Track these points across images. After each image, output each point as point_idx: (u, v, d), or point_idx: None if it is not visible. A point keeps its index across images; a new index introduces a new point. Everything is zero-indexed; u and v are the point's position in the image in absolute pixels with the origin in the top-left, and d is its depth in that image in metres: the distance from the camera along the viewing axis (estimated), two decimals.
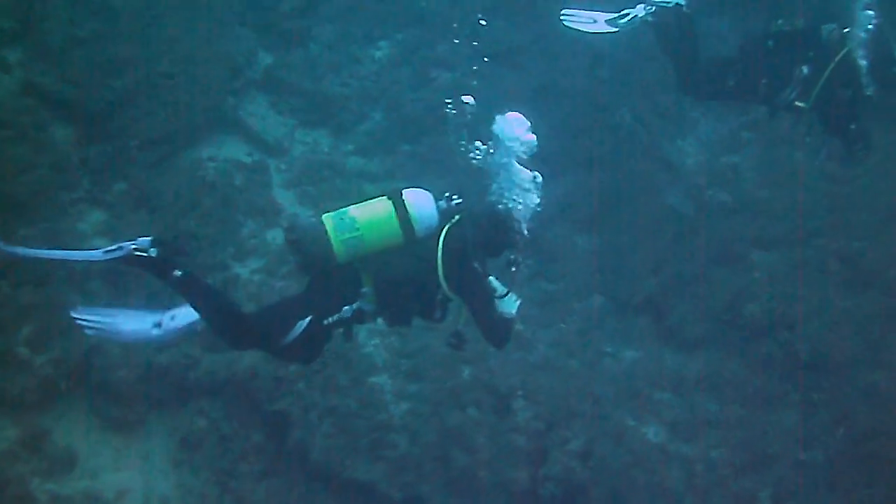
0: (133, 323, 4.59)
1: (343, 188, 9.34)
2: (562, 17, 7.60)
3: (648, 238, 9.65)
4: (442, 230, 4.78)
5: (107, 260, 4.35)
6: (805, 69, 6.82)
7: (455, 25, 10.58)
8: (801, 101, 6.89)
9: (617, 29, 7.49)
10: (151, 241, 4.39)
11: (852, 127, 6.84)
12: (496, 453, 7.67)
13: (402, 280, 4.77)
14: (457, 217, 4.87)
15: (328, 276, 4.76)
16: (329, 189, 9.32)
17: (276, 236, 8.69)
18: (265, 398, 7.81)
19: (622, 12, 7.37)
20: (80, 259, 4.41)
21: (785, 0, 9.98)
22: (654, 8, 7.23)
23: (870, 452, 8.07)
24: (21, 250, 4.38)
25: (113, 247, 4.35)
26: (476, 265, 4.87)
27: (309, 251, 4.62)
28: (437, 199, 4.86)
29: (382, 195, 4.79)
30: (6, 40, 8.81)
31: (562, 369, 8.41)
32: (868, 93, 6.70)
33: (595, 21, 7.53)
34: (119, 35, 9.03)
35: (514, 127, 4.80)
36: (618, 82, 10.88)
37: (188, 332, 4.64)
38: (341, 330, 4.88)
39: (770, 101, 7.12)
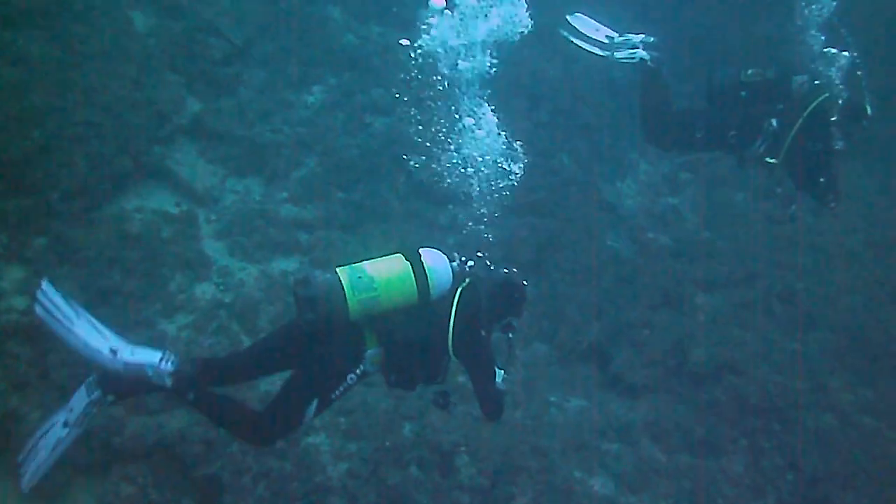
0: (51, 441, 4.53)
1: (276, 237, 9.06)
2: (568, 19, 7.55)
3: (590, 283, 9.56)
4: (454, 294, 4.62)
5: (121, 368, 4.36)
6: (774, 122, 6.74)
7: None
8: (770, 156, 6.81)
9: (607, 41, 7.43)
10: (172, 372, 4.39)
11: (822, 180, 6.77)
12: None
13: (412, 342, 4.60)
14: (467, 280, 4.72)
15: (330, 337, 4.54)
16: (262, 239, 9.00)
17: (205, 291, 8.35)
18: (195, 462, 7.43)
19: (623, 37, 7.31)
20: (95, 359, 4.37)
21: (728, 43, 10.09)
22: (635, 56, 7.18)
23: (821, 497, 8.03)
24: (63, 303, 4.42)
25: (133, 361, 4.35)
26: (483, 332, 4.74)
27: (323, 309, 4.37)
28: (449, 261, 4.72)
29: (396, 253, 4.62)
30: None
31: (506, 422, 8.08)
32: (837, 146, 6.63)
33: (598, 30, 7.48)
34: (38, 83, 8.59)
35: None
36: (556, 125, 10.86)
37: (90, 414, 4.59)
38: None
39: (738, 153, 7.06)
